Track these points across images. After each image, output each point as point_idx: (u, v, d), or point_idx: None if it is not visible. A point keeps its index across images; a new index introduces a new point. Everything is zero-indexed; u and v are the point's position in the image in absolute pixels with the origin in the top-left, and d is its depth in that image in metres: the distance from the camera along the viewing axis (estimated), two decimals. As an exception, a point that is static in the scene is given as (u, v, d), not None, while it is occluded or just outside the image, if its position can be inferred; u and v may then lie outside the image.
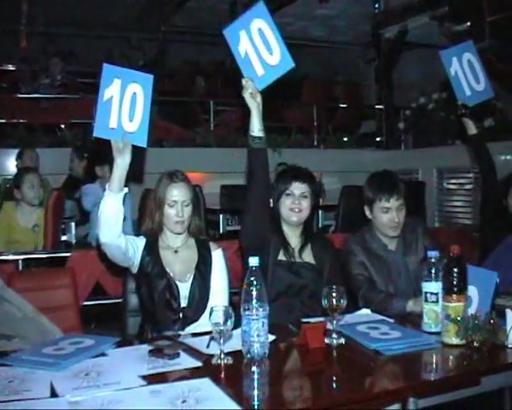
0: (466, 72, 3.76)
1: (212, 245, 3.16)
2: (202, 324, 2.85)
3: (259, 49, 2.91)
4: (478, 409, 3.23)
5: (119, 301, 3.38)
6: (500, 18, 6.56)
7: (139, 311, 3.15)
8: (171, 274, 2.98)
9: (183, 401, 1.75)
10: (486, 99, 3.86)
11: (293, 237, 3.21)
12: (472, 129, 3.73)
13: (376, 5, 8.14)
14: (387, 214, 3.19)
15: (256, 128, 2.95)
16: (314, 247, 3.23)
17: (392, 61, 8.76)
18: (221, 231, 5.77)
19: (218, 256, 3.13)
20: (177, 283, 2.97)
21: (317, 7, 8.89)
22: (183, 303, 2.97)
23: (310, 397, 1.94)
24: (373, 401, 1.86)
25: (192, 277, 3.01)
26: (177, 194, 3.01)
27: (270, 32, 2.90)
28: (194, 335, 2.58)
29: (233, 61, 2.90)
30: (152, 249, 3.02)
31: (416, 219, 3.49)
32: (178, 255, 3.06)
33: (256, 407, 1.77)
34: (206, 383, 1.92)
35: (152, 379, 1.95)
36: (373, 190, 3.26)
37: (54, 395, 1.86)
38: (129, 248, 2.90)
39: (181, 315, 2.94)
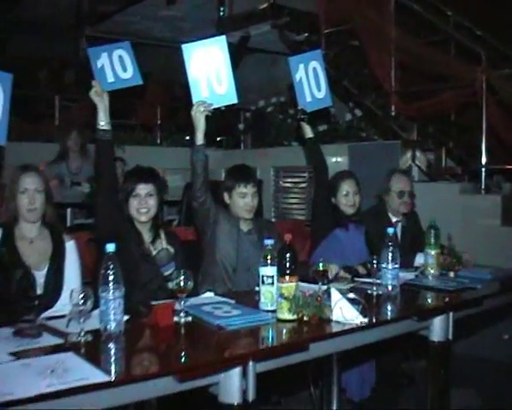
0: (310, 79, 4.01)
1: (65, 237, 3.33)
2: (56, 310, 2.99)
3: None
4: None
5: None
6: (333, 31, 7.06)
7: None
8: (27, 264, 3.11)
9: (52, 371, 1.95)
10: (324, 106, 4.15)
11: (145, 232, 3.45)
12: (308, 133, 4.07)
13: (221, 12, 8.38)
14: (244, 199, 3.62)
15: (102, 122, 3.29)
16: (166, 239, 3.48)
17: (234, 65, 9.09)
18: (68, 224, 5.86)
19: (71, 247, 3.31)
20: (34, 272, 3.11)
21: (163, 8, 9.03)
22: (39, 291, 3.11)
23: (163, 364, 2.22)
24: (218, 364, 2.18)
25: (47, 266, 3.16)
26: (28, 182, 3.17)
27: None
28: (50, 319, 2.73)
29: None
30: (8, 240, 3.13)
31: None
32: (34, 245, 3.19)
33: (116, 373, 2.01)
34: (70, 355, 2.13)
35: (20, 355, 2.13)
36: (232, 177, 3.68)
37: None
38: None
39: (37, 303, 3.07)
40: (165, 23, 9.94)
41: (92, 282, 3.01)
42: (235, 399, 2.20)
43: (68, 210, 5.97)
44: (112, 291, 2.34)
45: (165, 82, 11.00)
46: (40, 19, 11.55)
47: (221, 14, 8.44)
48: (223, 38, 3.55)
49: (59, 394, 1.81)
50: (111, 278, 2.34)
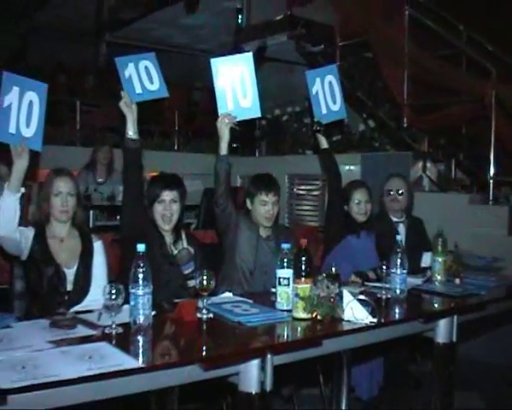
0: (326, 92, 4.16)
1: (93, 237, 3.55)
2: (85, 305, 3.20)
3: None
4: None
5: (1, 287, 3.71)
6: (348, 44, 7.20)
7: (24, 295, 3.45)
8: (58, 261, 3.32)
9: (90, 357, 2.16)
10: (339, 119, 4.31)
11: (167, 235, 3.63)
12: (324, 144, 4.25)
13: (239, 21, 8.51)
14: (265, 207, 3.79)
15: (131, 131, 3.46)
16: (186, 240, 3.67)
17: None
18: (90, 225, 6.08)
19: (99, 247, 3.53)
20: (64, 269, 3.32)
21: (183, 16, 9.19)
22: (69, 287, 3.32)
23: (189, 354, 2.44)
24: (239, 355, 2.40)
25: (77, 264, 3.38)
26: (62, 185, 3.38)
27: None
28: (78, 313, 2.91)
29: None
30: (40, 239, 3.33)
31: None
32: (64, 244, 3.40)
33: (147, 360, 2.24)
34: (104, 345, 2.34)
35: (59, 344, 2.34)
36: (255, 185, 3.85)
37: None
38: (22, 240, 3.23)
39: (66, 298, 3.28)
40: (184, 30, 10.09)
41: (116, 280, 3.21)
42: (254, 388, 2.40)
43: (91, 212, 6.22)
44: (141, 288, 2.52)
45: (182, 88, 11.19)
46: (60, 24, 11.78)
47: (239, 21, 8.59)
48: (249, 54, 3.73)
49: (97, 377, 2.02)
50: (140, 275, 2.53)
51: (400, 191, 4.58)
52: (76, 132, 8.69)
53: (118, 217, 6.35)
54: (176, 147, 9.59)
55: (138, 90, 3.58)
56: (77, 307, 3.19)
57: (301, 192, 7.87)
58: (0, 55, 11.06)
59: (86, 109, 9.43)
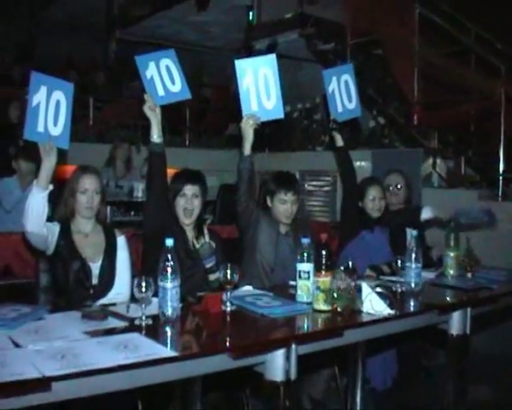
0: (341, 91, 4.27)
1: (116, 232, 3.66)
2: (110, 299, 3.33)
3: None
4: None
5: (26, 281, 3.82)
6: (359, 42, 7.29)
7: (49, 289, 3.54)
8: (84, 256, 3.42)
9: (125, 347, 2.27)
10: (354, 116, 4.44)
11: (188, 231, 3.74)
12: (339, 141, 4.36)
13: (250, 17, 8.57)
14: (284, 205, 3.88)
15: (155, 135, 3.55)
16: (209, 235, 3.78)
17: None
18: (108, 221, 6.18)
19: (122, 242, 3.63)
20: (90, 263, 3.43)
21: (193, 14, 9.28)
22: (94, 281, 3.42)
23: (218, 343, 2.55)
24: (265, 345, 2.52)
25: (101, 259, 3.48)
26: (88, 183, 3.48)
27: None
28: (104, 306, 3.02)
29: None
30: (66, 234, 3.43)
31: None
32: (89, 239, 3.50)
33: (179, 350, 2.33)
34: (136, 336, 2.45)
35: (93, 334, 2.45)
36: (275, 183, 3.94)
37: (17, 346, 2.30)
38: (49, 235, 3.34)
39: (92, 292, 3.38)
40: (194, 27, 10.16)
41: (139, 275, 3.31)
42: (279, 377, 2.51)
43: (108, 208, 6.32)
44: (170, 281, 2.64)
45: (192, 85, 11.21)
46: (69, 20, 11.86)
47: (250, 18, 8.67)
48: (273, 56, 3.77)
49: (134, 365, 2.13)
50: (169, 269, 2.64)
51: (398, 186, 4.78)
52: (89, 129, 8.78)
53: (133, 213, 6.48)
54: (187, 143, 9.65)
55: (161, 92, 3.63)
56: (102, 301, 3.30)
57: (312, 188, 7.95)
58: (9, 52, 11.17)
59: (97, 106, 9.51)
